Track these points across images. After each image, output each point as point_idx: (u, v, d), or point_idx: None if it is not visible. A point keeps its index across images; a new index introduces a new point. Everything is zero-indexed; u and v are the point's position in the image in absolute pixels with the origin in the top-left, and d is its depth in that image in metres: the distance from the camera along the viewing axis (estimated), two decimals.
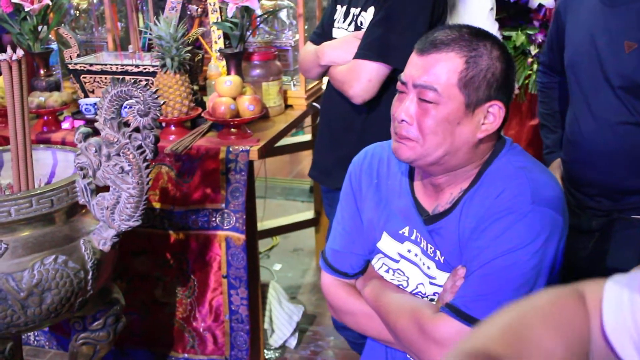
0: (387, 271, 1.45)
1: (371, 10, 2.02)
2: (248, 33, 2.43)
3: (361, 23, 2.05)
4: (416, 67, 1.29)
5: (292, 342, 2.70)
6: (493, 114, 1.28)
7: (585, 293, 0.90)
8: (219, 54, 2.58)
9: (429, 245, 1.36)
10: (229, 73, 2.42)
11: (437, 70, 1.26)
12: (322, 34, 2.19)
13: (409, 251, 1.40)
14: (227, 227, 2.27)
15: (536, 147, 3.01)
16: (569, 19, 1.88)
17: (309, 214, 3.32)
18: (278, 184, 4.28)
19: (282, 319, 2.65)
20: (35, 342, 2.65)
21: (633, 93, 1.69)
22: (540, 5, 2.74)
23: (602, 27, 1.74)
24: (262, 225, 3.21)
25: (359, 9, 2.06)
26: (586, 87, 1.79)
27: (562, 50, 1.93)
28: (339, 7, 2.14)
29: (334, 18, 2.15)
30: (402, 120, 1.29)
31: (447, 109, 1.26)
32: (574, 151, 1.85)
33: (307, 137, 3.28)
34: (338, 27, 2.13)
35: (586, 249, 1.85)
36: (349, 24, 2.10)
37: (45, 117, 2.43)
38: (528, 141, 2.99)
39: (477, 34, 1.29)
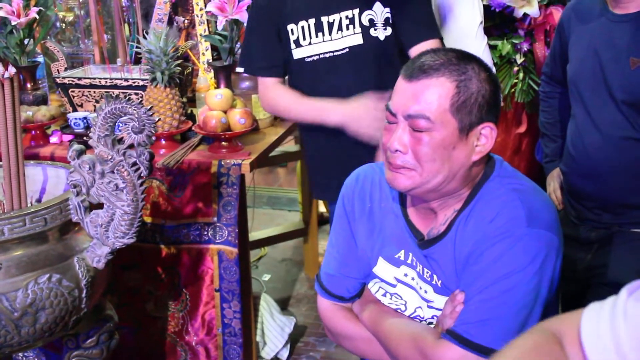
0: (384, 295, 1.44)
1: (378, 6, 1.98)
2: (237, 45, 2.43)
3: (371, 21, 1.99)
4: (405, 95, 1.26)
5: (284, 354, 2.70)
6: (485, 136, 1.27)
7: (561, 335, 0.90)
8: (207, 65, 2.57)
9: (425, 270, 1.36)
10: (218, 86, 2.41)
11: (428, 96, 1.24)
12: (272, 65, 2.10)
13: (406, 275, 1.40)
14: (219, 241, 2.26)
15: (522, 155, 3.03)
16: (573, 33, 1.89)
17: (298, 224, 3.32)
18: (264, 193, 4.28)
19: (274, 331, 2.64)
20: (24, 359, 2.62)
21: (636, 109, 1.71)
22: (526, 15, 2.76)
23: (606, 42, 1.75)
24: (252, 235, 3.21)
25: (350, 11, 1.97)
26: (589, 102, 1.80)
27: (565, 62, 1.94)
28: (291, 26, 2.02)
29: (291, 39, 2.03)
30: (396, 150, 1.27)
31: (441, 135, 1.24)
32: (576, 164, 1.85)
33: (295, 147, 3.27)
34: (315, 43, 2.01)
35: (584, 260, 1.86)
36: (338, 30, 1.98)
37: (33, 132, 2.41)
38: (514, 149, 3.01)
39: (464, 57, 1.28)
